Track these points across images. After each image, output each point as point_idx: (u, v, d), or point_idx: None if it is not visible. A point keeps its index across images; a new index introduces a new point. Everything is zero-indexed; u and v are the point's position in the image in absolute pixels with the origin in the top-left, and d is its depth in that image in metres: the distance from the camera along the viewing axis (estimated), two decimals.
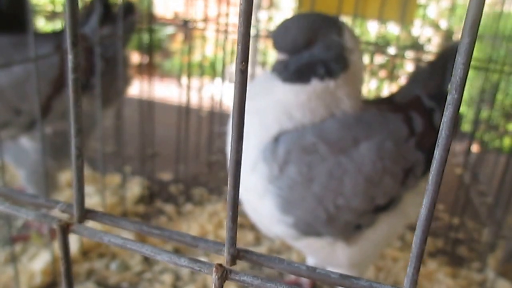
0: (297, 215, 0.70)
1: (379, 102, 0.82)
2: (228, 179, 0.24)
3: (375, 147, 0.70)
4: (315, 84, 0.72)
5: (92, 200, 1.15)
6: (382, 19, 1.57)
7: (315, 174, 0.69)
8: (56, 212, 0.30)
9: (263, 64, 2.82)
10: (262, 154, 0.70)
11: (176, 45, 3.66)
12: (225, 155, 1.48)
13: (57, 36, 1.02)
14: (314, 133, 0.70)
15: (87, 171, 1.29)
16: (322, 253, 0.78)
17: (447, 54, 0.84)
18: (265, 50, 2.58)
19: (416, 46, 2.97)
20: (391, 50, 2.99)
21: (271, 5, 4.23)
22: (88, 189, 1.21)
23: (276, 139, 0.71)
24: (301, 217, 0.70)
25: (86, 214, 0.29)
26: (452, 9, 2.63)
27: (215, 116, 1.57)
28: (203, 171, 1.43)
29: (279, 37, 0.75)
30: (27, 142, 0.99)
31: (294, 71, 0.73)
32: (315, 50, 0.73)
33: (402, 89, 0.86)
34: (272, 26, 3.03)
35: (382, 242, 0.80)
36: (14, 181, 1.26)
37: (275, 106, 0.72)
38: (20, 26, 0.99)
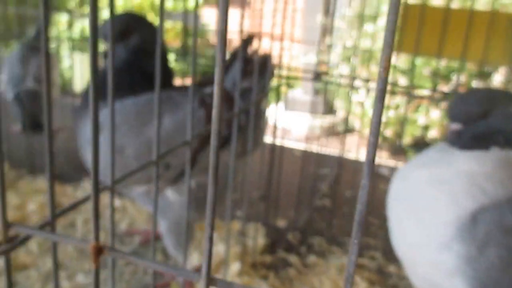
0: None
1: None
2: None
3: None
4: (497, 152, 0.71)
5: (217, 248, 1.15)
6: (486, 62, 1.55)
7: None
8: None
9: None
10: (459, 233, 0.69)
11: None
12: (330, 200, 1.48)
13: (199, 90, 1.04)
14: None
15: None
16: None
17: None
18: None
19: (484, 75, 2.92)
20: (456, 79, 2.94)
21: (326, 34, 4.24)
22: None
23: (474, 217, 0.69)
24: None
25: None
26: None
27: (311, 156, 1.56)
28: (314, 218, 1.42)
29: (455, 107, 0.76)
30: (172, 195, 1.01)
31: (471, 138, 0.73)
32: (492, 120, 0.74)
33: None
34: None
35: None
36: (134, 224, 1.27)
37: (463, 177, 0.71)
38: (164, 83, 1.02)
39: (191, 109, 0.70)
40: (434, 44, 1.18)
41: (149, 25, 1.04)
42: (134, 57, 1.03)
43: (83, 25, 3.64)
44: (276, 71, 1.18)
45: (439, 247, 0.70)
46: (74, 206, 0.46)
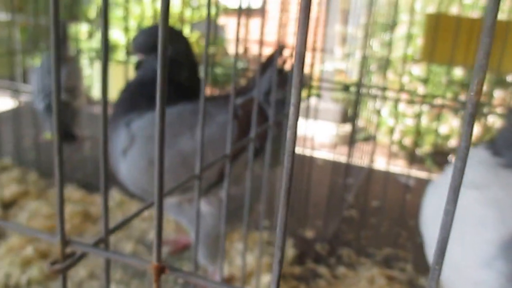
0: None
1: None
2: None
3: None
4: None
5: (246, 259, 1.15)
6: None
7: None
8: None
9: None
10: (502, 250, 0.68)
11: None
12: (358, 211, 1.46)
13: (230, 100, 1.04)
14: None
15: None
16: None
17: None
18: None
19: (504, 83, 2.88)
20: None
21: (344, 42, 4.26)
22: (239, 246, 1.21)
23: None
24: None
25: None
26: None
27: (335, 165, 1.55)
28: (342, 228, 1.40)
29: None
30: (203, 206, 1.01)
31: None
32: None
33: None
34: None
35: None
36: (163, 233, 1.27)
37: None
38: (196, 94, 1.02)
39: (230, 122, 0.69)
40: (471, 55, 1.17)
41: (182, 37, 1.04)
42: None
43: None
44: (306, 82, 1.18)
45: (481, 265, 0.69)
46: (127, 221, 0.46)
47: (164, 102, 0.34)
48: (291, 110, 0.28)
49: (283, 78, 1.06)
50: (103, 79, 0.38)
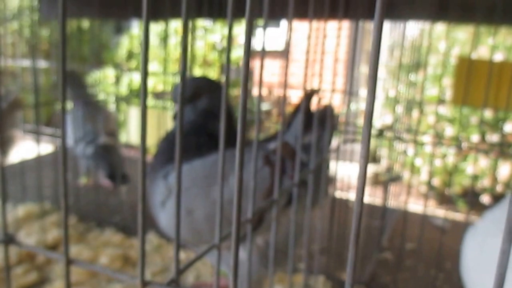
0: None
1: None
2: None
3: None
4: None
5: None
6: None
7: None
8: None
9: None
10: None
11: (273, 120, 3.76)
12: (393, 253, 1.46)
13: (262, 145, 1.07)
14: None
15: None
16: None
17: None
18: None
19: None
20: (508, 128, 2.89)
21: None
22: None
23: None
24: None
25: None
26: None
27: (369, 208, 1.55)
28: (378, 271, 1.40)
29: None
30: (242, 253, 1.02)
31: None
32: None
33: None
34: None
35: None
36: (201, 277, 1.29)
37: None
38: (229, 142, 1.05)
39: (277, 162, 0.72)
40: (502, 97, 1.19)
41: (219, 89, 1.08)
42: (201, 119, 1.07)
43: (130, 79, 3.78)
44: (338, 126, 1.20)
45: None
46: (195, 260, 0.49)
47: (243, 147, 0.37)
48: (361, 162, 0.31)
49: (314, 121, 1.08)
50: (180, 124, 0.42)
